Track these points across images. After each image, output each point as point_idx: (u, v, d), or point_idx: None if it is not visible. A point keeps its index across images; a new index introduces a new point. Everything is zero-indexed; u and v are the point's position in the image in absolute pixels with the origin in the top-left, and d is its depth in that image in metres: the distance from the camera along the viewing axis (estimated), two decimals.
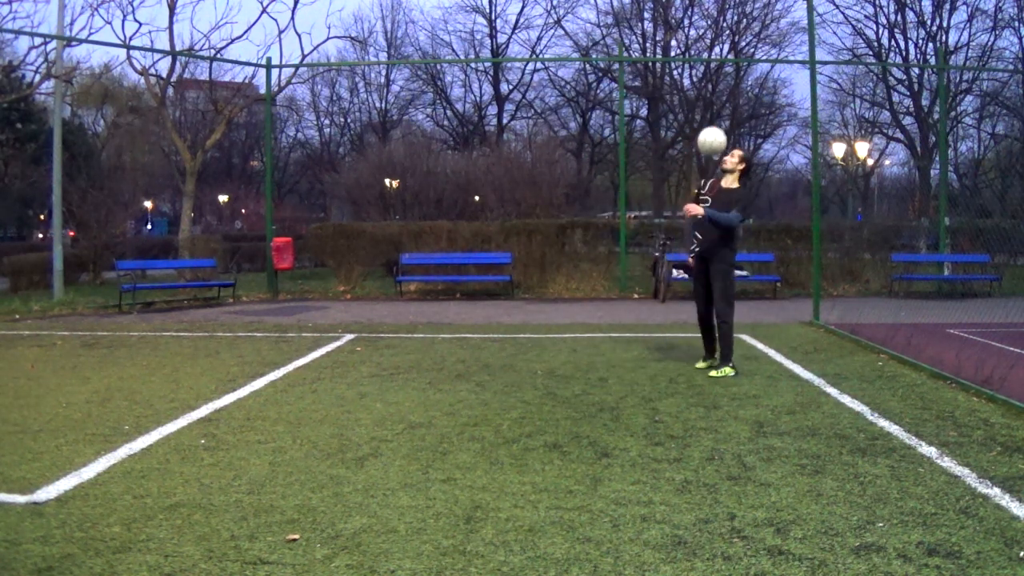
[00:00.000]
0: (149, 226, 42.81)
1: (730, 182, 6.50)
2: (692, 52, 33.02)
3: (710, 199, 6.40)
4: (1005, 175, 27.72)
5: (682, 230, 16.48)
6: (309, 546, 2.98)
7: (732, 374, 6.35)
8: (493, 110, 37.93)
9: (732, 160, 6.49)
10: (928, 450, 4.18)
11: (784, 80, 52.14)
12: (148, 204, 39.97)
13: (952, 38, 29.04)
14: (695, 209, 6.30)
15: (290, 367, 6.80)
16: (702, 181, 6.72)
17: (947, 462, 3.96)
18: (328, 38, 58.09)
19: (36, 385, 6.06)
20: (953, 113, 28.64)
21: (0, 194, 27.26)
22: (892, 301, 12.33)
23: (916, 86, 28.88)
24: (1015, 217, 9.51)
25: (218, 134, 19.59)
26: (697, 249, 6.50)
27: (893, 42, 30.48)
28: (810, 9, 9.85)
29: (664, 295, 13.08)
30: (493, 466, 3.95)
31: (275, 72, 16.42)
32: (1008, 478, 3.70)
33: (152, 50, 18.41)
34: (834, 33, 31.44)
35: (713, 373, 6.38)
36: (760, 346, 7.87)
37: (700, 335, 6.84)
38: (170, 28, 17.26)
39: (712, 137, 6.52)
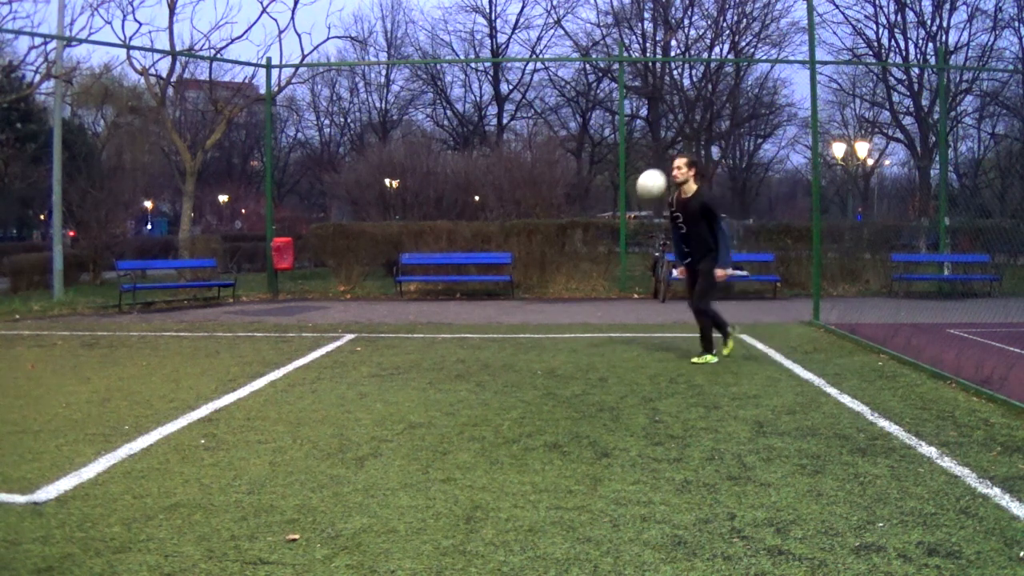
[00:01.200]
0: (149, 226, 42.82)
1: (688, 190, 6.76)
2: (692, 52, 33.03)
3: (682, 215, 6.76)
4: (1005, 175, 27.72)
5: None
6: (309, 546, 2.98)
7: (713, 360, 6.82)
8: (493, 110, 37.98)
9: (680, 172, 6.74)
10: (928, 450, 4.18)
11: (784, 80, 52.39)
12: (148, 204, 39.96)
13: (952, 38, 29.08)
14: (723, 273, 6.77)
15: (290, 367, 6.80)
16: (670, 199, 6.95)
17: (947, 462, 3.96)
18: (328, 38, 58.38)
19: (36, 385, 6.06)
20: (953, 113, 28.65)
21: (0, 194, 27.25)
22: (892, 301, 12.33)
23: (916, 86, 28.89)
24: (1015, 217, 9.51)
25: (218, 134, 19.59)
26: (689, 260, 6.92)
27: (893, 42, 30.51)
28: (810, 9, 9.85)
29: (664, 295, 13.08)
30: (493, 466, 3.95)
31: (275, 72, 16.43)
32: (1008, 478, 3.70)
33: (152, 50, 18.43)
34: (834, 33, 31.49)
35: (696, 360, 6.81)
36: (760, 346, 7.87)
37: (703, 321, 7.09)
38: (170, 28, 17.28)
39: (645, 182, 6.83)
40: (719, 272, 6.77)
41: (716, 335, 7.13)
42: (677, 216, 6.81)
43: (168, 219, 44.95)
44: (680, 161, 6.83)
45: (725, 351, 7.06)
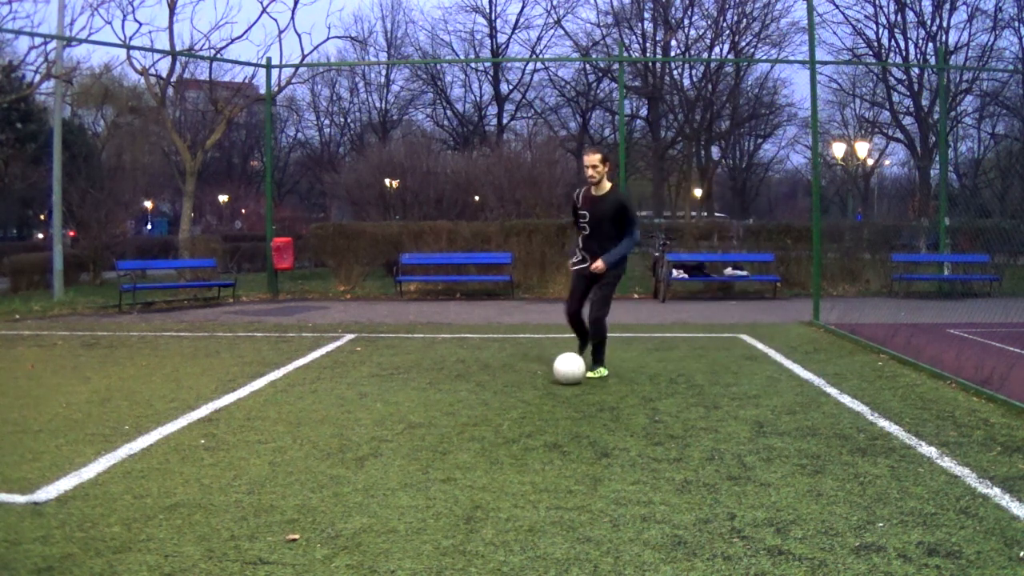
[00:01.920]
0: (149, 226, 42.82)
1: (601, 188, 6.09)
2: (692, 52, 33.04)
3: (588, 214, 6.06)
4: (1005, 175, 27.74)
5: (681, 230, 16.48)
6: (309, 546, 2.98)
7: (605, 374, 6.19)
8: (493, 110, 38.00)
9: (596, 171, 5.99)
10: (928, 450, 4.18)
11: (784, 80, 52.38)
12: (148, 204, 39.97)
13: (952, 38, 29.12)
14: (599, 266, 6.00)
15: (290, 367, 6.80)
16: (576, 194, 6.25)
17: (947, 462, 3.96)
18: (328, 38, 58.28)
19: (36, 385, 6.06)
20: (953, 113, 28.66)
21: (0, 194, 27.27)
22: (892, 301, 12.33)
23: (916, 86, 28.90)
24: (1015, 217, 9.51)
25: (218, 134, 19.59)
26: (585, 264, 6.17)
27: (893, 42, 30.52)
28: (810, 9, 9.85)
29: (664, 295, 13.08)
30: (493, 466, 3.95)
31: (275, 72, 16.42)
32: (1008, 478, 3.70)
33: (152, 50, 18.41)
34: (834, 33, 31.53)
35: (591, 374, 6.12)
36: (760, 346, 7.87)
37: (573, 332, 6.56)
38: (170, 28, 17.28)
39: (566, 370, 5.92)
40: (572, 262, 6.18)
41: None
42: (583, 215, 6.10)
43: (168, 219, 44.95)
44: (595, 157, 6.03)
45: (593, 374, 6.17)
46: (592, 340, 6.25)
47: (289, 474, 3.84)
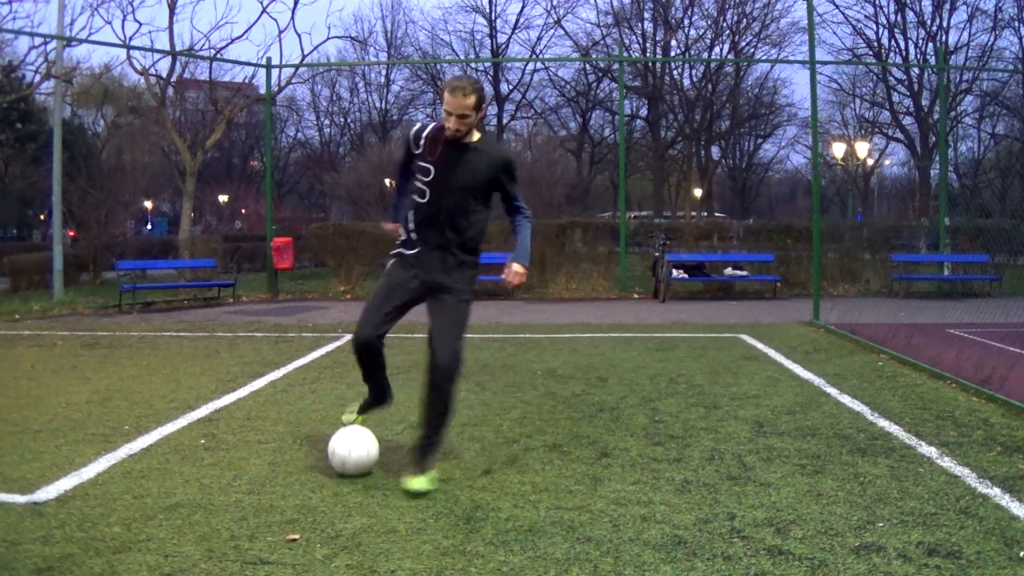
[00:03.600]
0: (149, 226, 42.83)
1: (469, 136, 3.75)
2: (692, 52, 33.02)
3: (433, 170, 3.69)
4: (1005, 175, 27.73)
5: (681, 230, 16.47)
6: (309, 546, 2.98)
7: (428, 487, 3.52)
8: (493, 110, 37.94)
9: (464, 121, 3.64)
10: (928, 450, 4.18)
11: (784, 80, 52.42)
12: (148, 204, 39.97)
13: (952, 38, 29.13)
14: (518, 271, 3.78)
15: (290, 367, 6.80)
16: (417, 132, 3.90)
17: (947, 462, 3.96)
18: (328, 38, 58.56)
19: (36, 385, 6.06)
20: (953, 113, 28.67)
21: (0, 194, 27.27)
22: (892, 301, 12.33)
23: (916, 86, 28.90)
24: (1015, 217, 9.51)
25: (218, 134, 19.62)
26: (417, 251, 3.90)
27: (893, 42, 30.52)
28: (810, 9, 9.85)
29: (664, 295, 13.08)
30: (493, 466, 3.95)
31: (275, 72, 16.43)
32: (1008, 478, 3.70)
33: (152, 50, 18.45)
34: (834, 33, 31.52)
35: (418, 485, 3.50)
36: (760, 346, 7.87)
37: (364, 372, 4.05)
38: (170, 28, 17.33)
39: (354, 454, 3.73)
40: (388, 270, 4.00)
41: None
42: (424, 169, 3.74)
43: (168, 219, 44.97)
44: (468, 101, 3.60)
45: (352, 418, 4.08)
46: (435, 407, 3.62)
47: (289, 474, 3.84)
